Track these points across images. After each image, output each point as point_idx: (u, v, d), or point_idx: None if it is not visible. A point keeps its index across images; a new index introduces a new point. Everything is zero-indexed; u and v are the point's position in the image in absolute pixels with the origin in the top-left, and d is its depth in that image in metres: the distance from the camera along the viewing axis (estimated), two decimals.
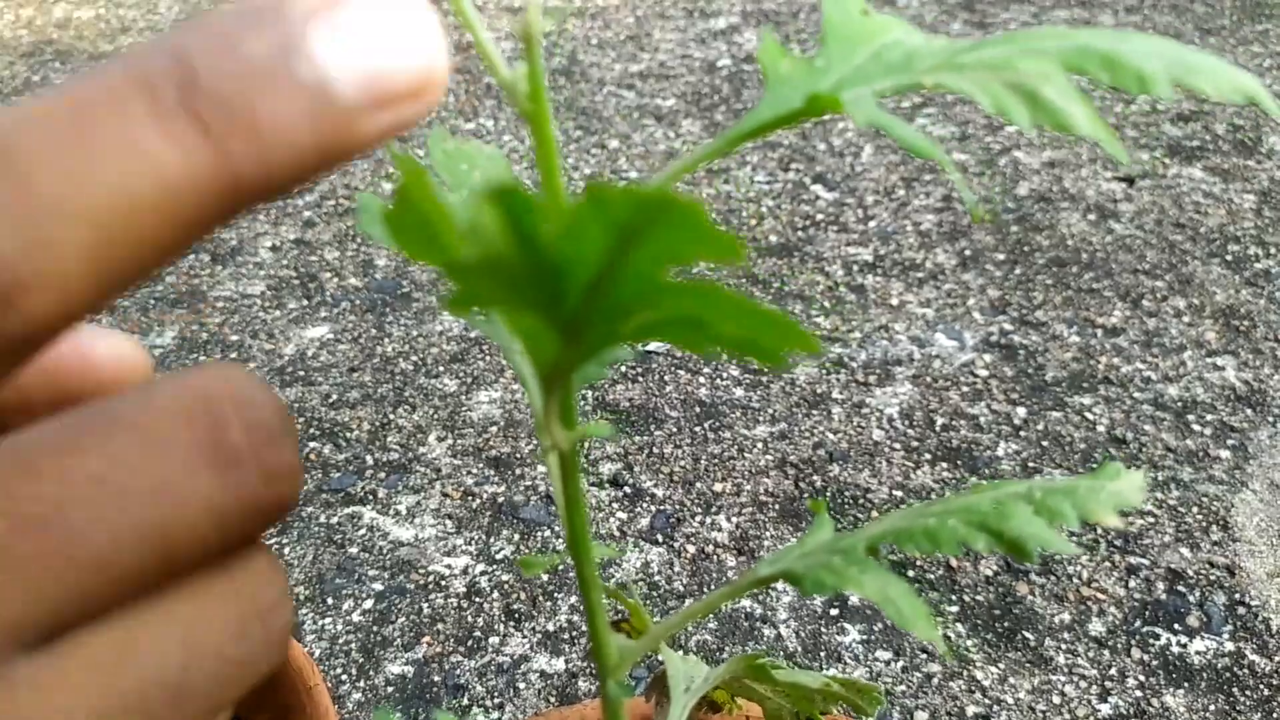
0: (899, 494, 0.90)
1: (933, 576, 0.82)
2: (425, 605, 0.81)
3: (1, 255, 0.12)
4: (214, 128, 0.13)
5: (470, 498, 0.91)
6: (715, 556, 0.85)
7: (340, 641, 0.78)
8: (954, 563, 0.83)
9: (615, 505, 0.90)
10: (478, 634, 0.79)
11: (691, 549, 0.86)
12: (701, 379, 1.05)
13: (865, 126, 0.21)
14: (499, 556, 0.85)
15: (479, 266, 0.14)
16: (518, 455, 0.96)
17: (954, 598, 0.81)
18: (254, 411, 0.15)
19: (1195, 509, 0.88)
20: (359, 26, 0.14)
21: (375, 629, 0.80)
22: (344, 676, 0.76)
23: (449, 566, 0.85)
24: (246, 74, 0.14)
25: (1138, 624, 0.78)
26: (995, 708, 0.73)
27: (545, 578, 0.82)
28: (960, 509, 0.30)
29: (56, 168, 0.13)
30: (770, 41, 0.24)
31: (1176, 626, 0.78)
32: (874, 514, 0.88)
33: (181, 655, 0.14)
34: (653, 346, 1.10)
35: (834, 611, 0.80)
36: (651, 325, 0.16)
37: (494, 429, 0.99)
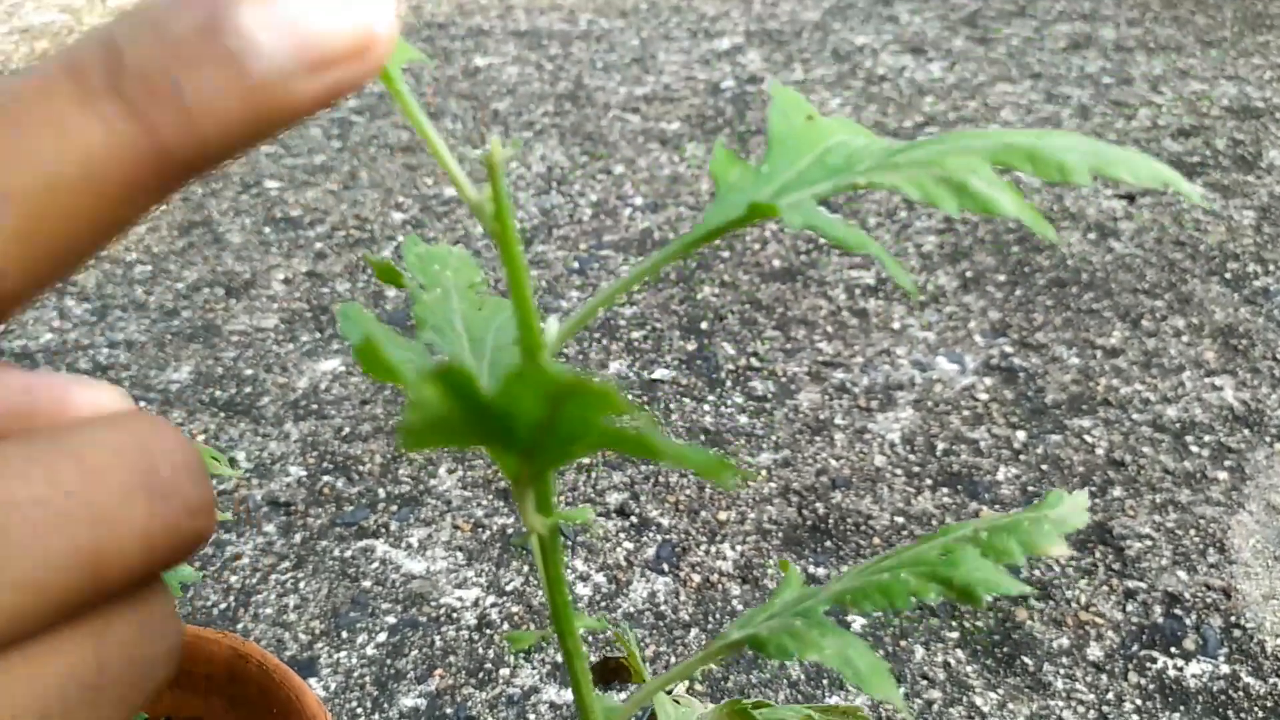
0: (900, 520, 0.92)
1: (933, 603, 0.84)
2: (437, 638, 0.83)
3: None
4: (139, 105, 0.14)
5: (480, 529, 0.93)
6: (720, 586, 0.87)
7: (355, 675, 0.81)
8: None
9: (622, 535, 0.92)
10: (488, 666, 0.81)
11: (697, 578, 0.88)
12: (706, 406, 1.07)
13: (800, 229, 0.23)
14: (509, 588, 0.87)
15: (429, 426, 0.16)
16: None
17: (954, 624, 0.82)
18: (179, 453, 0.16)
19: (1192, 531, 0.89)
20: None
21: (389, 662, 0.82)
22: (359, 710, 0.78)
23: (460, 599, 0.87)
24: (170, 50, 0.14)
25: (1135, 648, 0.80)
26: None
27: None
28: (911, 560, 0.32)
29: None
30: (722, 152, 0.26)
31: (1173, 650, 0.79)
32: (875, 541, 0.90)
33: (96, 669, 0.15)
34: (658, 374, 1.12)
35: None
36: (602, 445, 0.18)
37: None
